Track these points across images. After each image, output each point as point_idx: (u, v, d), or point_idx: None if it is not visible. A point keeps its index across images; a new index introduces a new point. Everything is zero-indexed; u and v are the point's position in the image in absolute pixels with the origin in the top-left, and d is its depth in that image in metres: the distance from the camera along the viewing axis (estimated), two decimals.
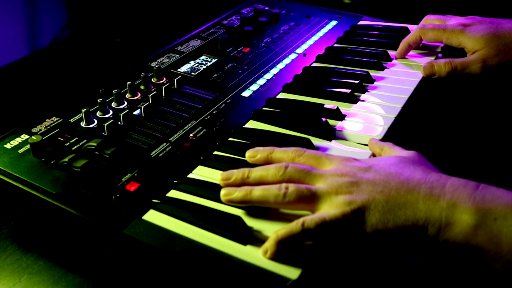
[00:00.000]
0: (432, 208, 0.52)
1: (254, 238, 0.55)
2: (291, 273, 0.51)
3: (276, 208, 0.58)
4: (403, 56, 0.92)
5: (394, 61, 0.91)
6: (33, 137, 0.67)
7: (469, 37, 0.83)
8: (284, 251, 0.52)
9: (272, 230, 0.54)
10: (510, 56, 0.81)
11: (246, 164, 0.64)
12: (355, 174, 0.56)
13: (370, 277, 0.59)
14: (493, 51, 0.82)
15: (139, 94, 0.80)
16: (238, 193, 0.57)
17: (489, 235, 0.50)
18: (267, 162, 0.62)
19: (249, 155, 0.63)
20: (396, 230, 0.52)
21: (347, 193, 0.55)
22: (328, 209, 0.54)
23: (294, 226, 0.53)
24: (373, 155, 0.67)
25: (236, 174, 0.59)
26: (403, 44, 0.91)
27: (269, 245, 0.52)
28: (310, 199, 0.55)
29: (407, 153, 0.62)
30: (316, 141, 0.70)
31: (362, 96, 0.81)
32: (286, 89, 0.84)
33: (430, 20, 0.93)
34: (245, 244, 0.54)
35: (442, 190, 0.53)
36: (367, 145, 0.69)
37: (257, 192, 0.56)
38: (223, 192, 0.58)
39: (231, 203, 0.58)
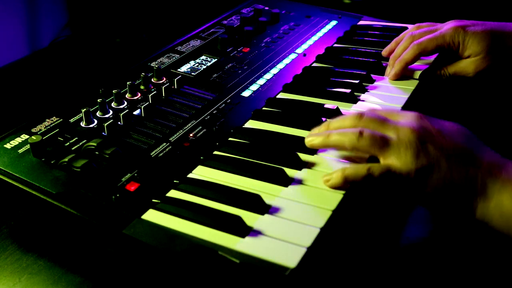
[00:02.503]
0: (487, 185, 0.57)
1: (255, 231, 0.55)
2: (290, 261, 0.51)
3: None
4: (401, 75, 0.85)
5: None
6: (33, 137, 0.67)
7: (468, 37, 0.82)
8: (346, 186, 0.59)
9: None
10: (503, 58, 0.81)
11: (246, 165, 0.65)
12: (425, 134, 0.60)
13: (366, 274, 0.60)
14: (485, 56, 0.81)
15: (139, 94, 0.80)
16: (318, 138, 0.64)
17: None
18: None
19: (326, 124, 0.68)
20: (452, 196, 0.57)
21: (415, 151, 0.58)
22: (395, 161, 0.58)
23: (361, 168, 0.59)
24: None
25: (318, 128, 0.67)
26: (401, 65, 0.84)
27: (335, 176, 0.60)
28: (381, 146, 0.60)
29: (461, 126, 0.64)
30: None
31: (362, 96, 0.81)
32: (286, 89, 0.84)
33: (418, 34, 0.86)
34: (244, 237, 0.54)
35: (499, 171, 0.57)
36: None
37: (335, 136, 0.62)
38: (307, 139, 0.65)
39: (313, 147, 0.65)
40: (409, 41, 0.85)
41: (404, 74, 0.84)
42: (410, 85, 0.83)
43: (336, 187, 0.60)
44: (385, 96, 0.81)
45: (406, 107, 0.78)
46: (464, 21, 0.84)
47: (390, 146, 0.59)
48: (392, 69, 0.84)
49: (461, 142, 0.60)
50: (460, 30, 0.82)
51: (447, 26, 0.83)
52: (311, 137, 0.65)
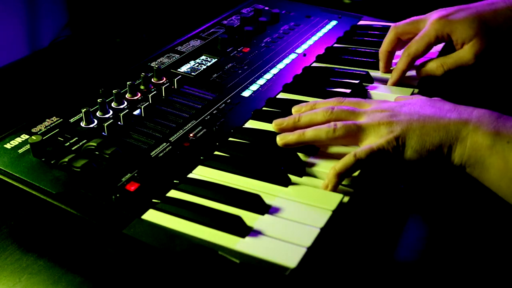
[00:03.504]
0: (461, 129, 0.60)
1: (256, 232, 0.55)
2: (290, 262, 0.51)
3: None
4: (389, 69, 0.86)
5: (394, 61, 0.91)
6: (33, 137, 0.67)
7: (456, 25, 0.78)
8: (342, 181, 0.61)
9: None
10: (496, 40, 0.78)
11: (246, 165, 0.65)
12: (393, 109, 0.65)
13: (366, 274, 0.60)
14: (480, 37, 0.78)
15: (139, 94, 0.80)
16: (292, 136, 0.66)
17: (500, 154, 0.58)
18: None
19: (296, 110, 0.72)
20: (432, 150, 0.61)
21: (388, 124, 0.63)
22: (374, 139, 0.62)
23: (348, 158, 0.61)
24: None
25: (287, 119, 0.69)
26: (397, 74, 0.83)
27: (329, 179, 0.61)
28: (357, 132, 0.64)
29: (412, 99, 0.69)
30: None
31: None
32: (286, 89, 0.84)
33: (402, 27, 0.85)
34: (244, 237, 0.54)
35: (469, 116, 0.61)
36: None
37: (310, 132, 0.65)
38: (279, 137, 0.67)
39: (287, 146, 0.66)
40: (392, 33, 0.85)
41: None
42: (411, 85, 0.83)
43: (336, 186, 0.61)
44: (386, 95, 0.80)
45: None
46: (446, 10, 0.81)
47: (365, 129, 0.64)
48: (390, 78, 0.84)
49: (427, 104, 0.65)
50: (444, 21, 0.79)
51: (430, 20, 0.81)
52: (284, 135, 0.66)
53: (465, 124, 0.60)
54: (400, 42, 0.86)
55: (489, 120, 0.60)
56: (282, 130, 0.69)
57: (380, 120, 0.64)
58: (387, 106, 0.66)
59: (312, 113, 0.68)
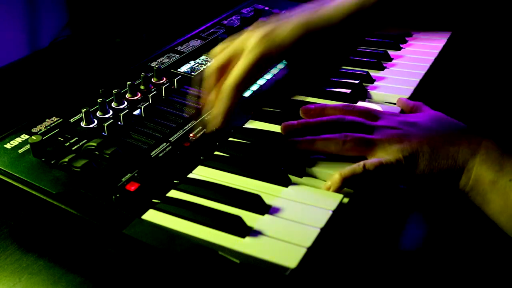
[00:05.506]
0: (468, 159, 0.61)
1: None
2: (290, 262, 0.51)
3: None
4: None
5: (394, 61, 0.91)
6: (33, 137, 0.66)
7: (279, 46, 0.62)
8: (345, 186, 0.61)
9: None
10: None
11: (246, 165, 0.65)
12: (404, 127, 0.66)
13: (366, 274, 0.60)
14: (303, 49, 0.63)
15: (139, 94, 0.80)
16: (301, 143, 0.66)
17: (501, 191, 0.59)
18: (320, 115, 0.70)
19: (304, 112, 0.72)
20: (439, 175, 0.62)
21: (399, 143, 0.63)
22: (383, 155, 0.63)
23: (357, 167, 0.61)
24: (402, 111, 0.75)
25: (296, 124, 0.69)
26: None
27: (332, 182, 0.61)
28: (366, 146, 0.64)
29: (435, 112, 0.71)
30: None
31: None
32: None
33: None
34: (244, 237, 0.54)
35: (478, 146, 0.62)
36: None
37: (320, 142, 0.65)
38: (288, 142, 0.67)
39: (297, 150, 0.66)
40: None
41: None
42: (411, 85, 0.83)
43: (338, 191, 0.61)
44: (386, 96, 0.80)
45: None
46: (269, 26, 0.63)
47: (375, 145, 0.64)
48: None
49: (438, 127, 0.66)
50: (267, 46, 0.62)
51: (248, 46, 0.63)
52: (293, 141, 0.66)
53: (473, 155, 0.61)
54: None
55: (495, 155, 0.61)
56: (290, 134, 0.68)
57: (392, 137, 0.64)
58: (398, 123, 0.67)
59: (322, 122, 0.68)
